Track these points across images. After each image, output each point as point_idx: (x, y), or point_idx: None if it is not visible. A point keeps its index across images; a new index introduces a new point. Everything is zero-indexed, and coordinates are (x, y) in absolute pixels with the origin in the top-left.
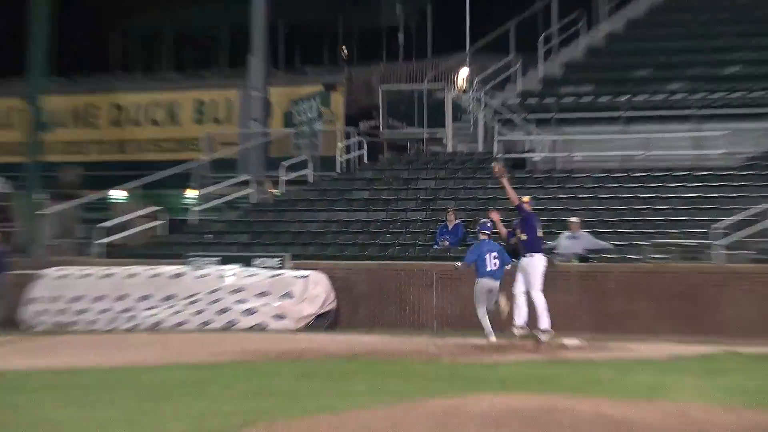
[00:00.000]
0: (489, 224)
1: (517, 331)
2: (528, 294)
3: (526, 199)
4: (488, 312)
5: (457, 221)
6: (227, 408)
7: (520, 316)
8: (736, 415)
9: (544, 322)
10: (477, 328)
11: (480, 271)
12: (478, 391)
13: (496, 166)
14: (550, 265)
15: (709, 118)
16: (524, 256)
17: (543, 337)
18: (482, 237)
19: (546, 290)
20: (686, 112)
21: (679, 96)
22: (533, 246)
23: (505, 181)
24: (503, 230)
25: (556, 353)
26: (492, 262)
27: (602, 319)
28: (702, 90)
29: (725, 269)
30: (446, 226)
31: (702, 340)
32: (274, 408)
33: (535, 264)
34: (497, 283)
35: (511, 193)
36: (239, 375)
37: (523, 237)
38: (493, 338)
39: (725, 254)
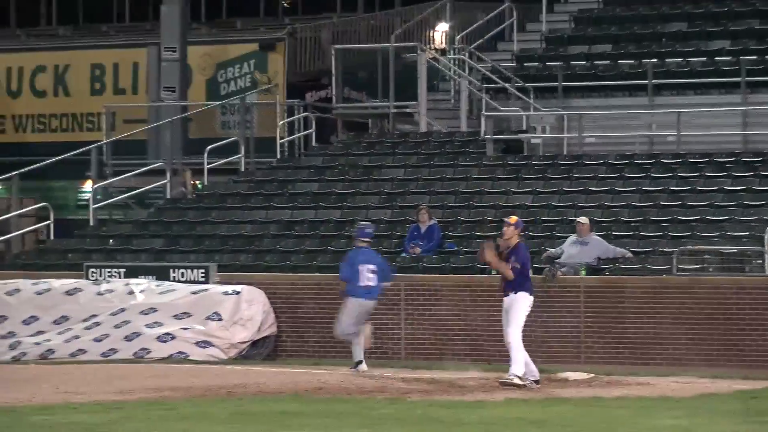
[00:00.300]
0: (370, 229)
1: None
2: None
3: (512, 220)
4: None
5: (432, 222)
6: None
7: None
8: None
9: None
10: (461, 359)
11: (350, 288)
12: None
13: (484, 251)
14: (550, 279)
15: (763, 87)
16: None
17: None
18: (360, 245)
19: (546, 310)
20: (733, 79)
21: (723, 57)
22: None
23: (495, 263)
24: (506, 271)
25: (556, 390)
26: (366, 276)
27: (616, 347)
28: (754, 49)
29: None
30: (418, 228)
31: (743, 374)
32: None
33: (523, 302)
34: (371, 304)
35: (507, 271)
36: (153, 418)
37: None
38: (364, 367)
39: None
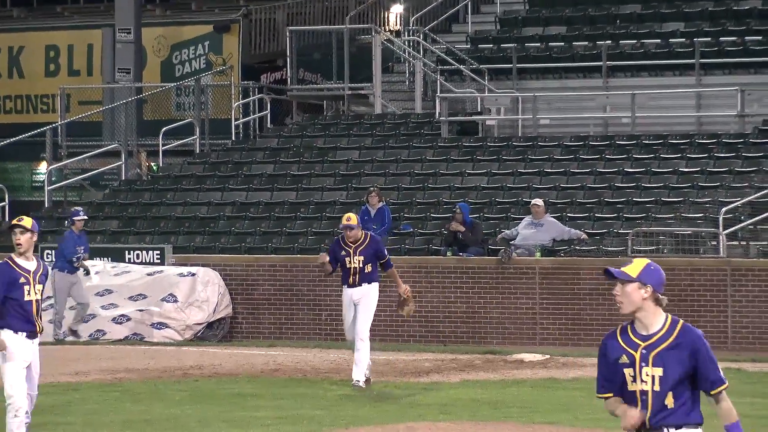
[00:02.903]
0: (83, 212)
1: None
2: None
3: (352, 220)
4: None
5: (382, 204)
6: None
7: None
8: None
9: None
10: (417, 341)
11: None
12: (413, 419)
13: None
14: (506, 260)
15: (717, 69)
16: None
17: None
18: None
19: (501, 292)
20: (687, 61)
21: (677, 39)
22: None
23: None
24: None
25: (512, 372)
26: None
27: (572, 328)
28: (707, 31)
29: (731, 265)
30: (368, 211)
31: None
32: None
33: (376, 293)
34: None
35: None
36: (109, 399)
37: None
38: None
39: (731, 246)
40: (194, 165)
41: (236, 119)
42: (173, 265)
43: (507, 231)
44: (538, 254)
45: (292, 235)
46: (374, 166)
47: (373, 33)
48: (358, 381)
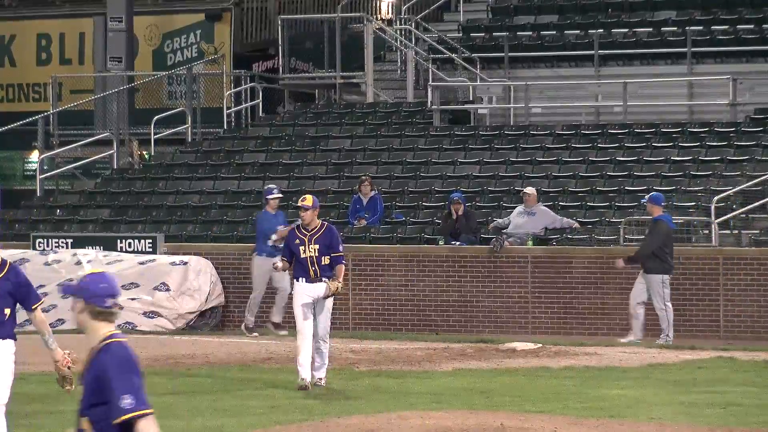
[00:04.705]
0: (276, 190)
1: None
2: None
3: (307, 200)
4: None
5: (374, 193)
6: None
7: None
8: None
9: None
10: (409, 329)
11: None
12: (404, 408)
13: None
14: (498, 249)
15: (709, 58)
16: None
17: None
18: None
19: (493, 281)
20: (679, 49)
21: (669, 28)
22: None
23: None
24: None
25: (504, 360)
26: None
27: (564, 317)
28: (699, 20)
29: (722, 254)
30: (360, 200)
31: (690, 344)
32: None
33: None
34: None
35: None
36: None
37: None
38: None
39: (723, 234)
40: (186, 154)
41: (228, 108)
42: (165, 254)
43: (499, 220)
44: (530, 243)
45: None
46: (366, 154)
47: (365, 22)
48: (321, 379)
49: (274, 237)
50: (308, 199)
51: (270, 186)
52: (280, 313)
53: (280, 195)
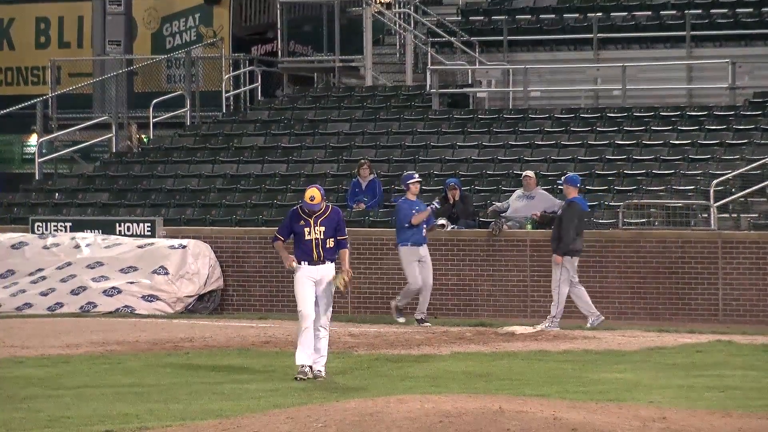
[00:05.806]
0: (417, 174)
1: None
2: None
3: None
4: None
5: (373, 177)
6: (84, 412)
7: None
8: (723, 420)
9: None
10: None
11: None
12: (403, 392)
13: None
14: (496, 233)
15: (708, 41)
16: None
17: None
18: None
19: (492, 264)
20: (678, 33)
21: (668, 11)
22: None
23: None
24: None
25: (503, 344)
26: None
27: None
28: (698, 3)
29: (721, 237)
30: (359, 184)
31: (688, 328)
32: (144, 413)
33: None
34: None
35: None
36: (100, 371)
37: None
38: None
39: (722, 218)
40: (185, 137)
41: (227, 91)
42: (164, 237)
43: (498, 203)
44: (529, 226)
45: (282, 207)
46: (365, 138)
47: (364, 5)
48: (320, 371)
49: (412, 221)
50: (317, 198)
51: (409, 172)
52: (406, 299)
53: (421, 180)
